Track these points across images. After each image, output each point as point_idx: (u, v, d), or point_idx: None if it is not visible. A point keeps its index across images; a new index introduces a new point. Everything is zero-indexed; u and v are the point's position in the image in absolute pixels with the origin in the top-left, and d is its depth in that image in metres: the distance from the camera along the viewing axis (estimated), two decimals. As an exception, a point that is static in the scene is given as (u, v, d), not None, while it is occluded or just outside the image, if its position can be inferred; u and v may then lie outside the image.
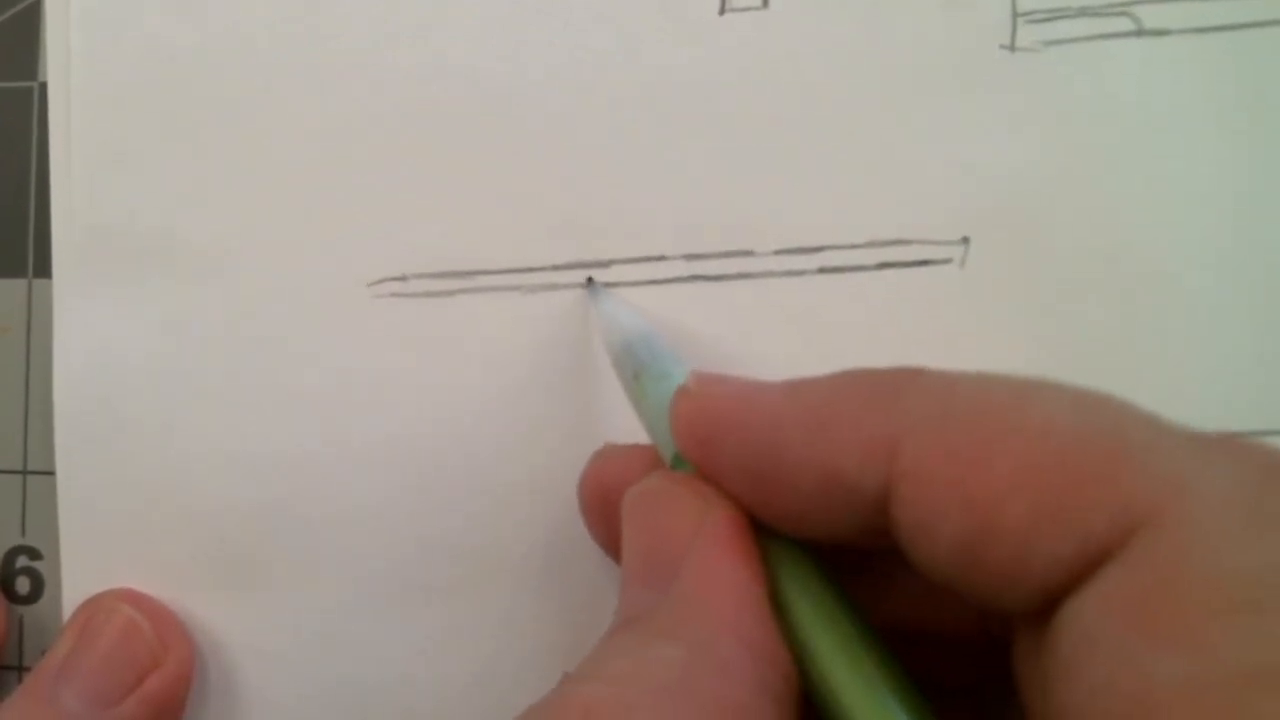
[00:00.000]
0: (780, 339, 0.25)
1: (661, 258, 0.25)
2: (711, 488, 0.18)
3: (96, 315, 0.26)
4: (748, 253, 0.25)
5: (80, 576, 0.26)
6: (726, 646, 0.16)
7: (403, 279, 0.26)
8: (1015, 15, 0.25)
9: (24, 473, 0.27)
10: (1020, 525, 0.15)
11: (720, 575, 0.17)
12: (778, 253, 0.25)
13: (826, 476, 0.17)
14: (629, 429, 0.25)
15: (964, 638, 0.19)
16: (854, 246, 0.25)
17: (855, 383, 0.17)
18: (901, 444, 0.16)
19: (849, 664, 0.16)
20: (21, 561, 0.27)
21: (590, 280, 0.25)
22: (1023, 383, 0.16)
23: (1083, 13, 0.25)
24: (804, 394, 0.18)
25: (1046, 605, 0.15)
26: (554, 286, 0.25)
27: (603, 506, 0.23)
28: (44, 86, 0.27)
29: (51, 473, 0.26)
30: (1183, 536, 0.14)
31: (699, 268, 0.25)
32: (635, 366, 0.22)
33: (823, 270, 0.25)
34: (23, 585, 0.27)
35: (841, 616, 0.17)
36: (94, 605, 0.25)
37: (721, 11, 0.25)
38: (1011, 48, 0.25)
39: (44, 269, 0.27)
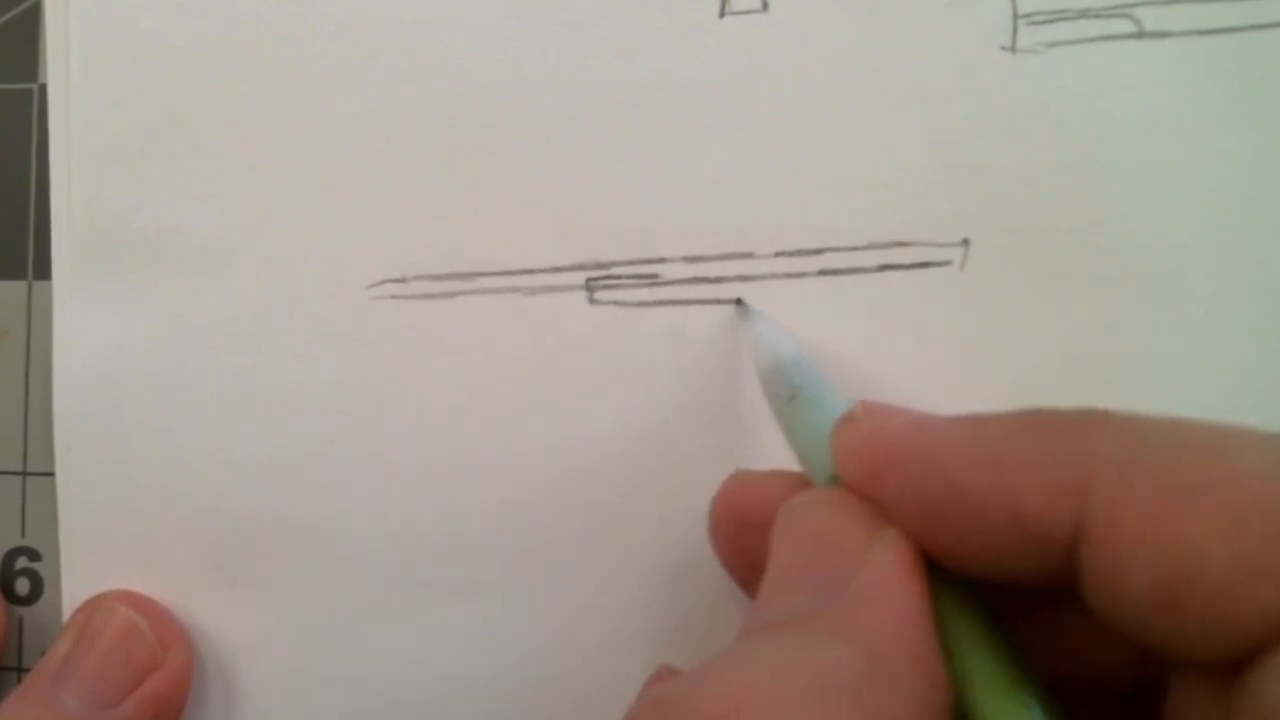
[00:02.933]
0: (780, 341, 0.25)
1: (662, 260, 0.25)
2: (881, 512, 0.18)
3: (96, 317, 0.26)
4: (748, 255, 0.25)
5: (80, 578, 0.26)
6: (895, 659, 0.16)
7: (402, 280, 0.26)
8: (1016, 17, 0.25)
9: (24, 474, 0.27)
10: (1224, 575, 0.14)
11: (894, 590, 0.17)
12: (778, 255, 0.25)
13: (1009, 517, 0.16)
14: (627, 431, 0.25)
15: (1114, 686, 0.18)
16: (854, 249, 0.25)
17: (1041, 423, 0.17)
18: (1093, 487, 0.16)
19: (1007, 699, 0.16)
20: (21, 562, 0.27)
21: (740, 301, 0.25)
22: (1218, 428, 0.16)
23: (1083, 15, 0.25)
24: (986, 430, 0.17)
25: (1243, 657, 0.15)
26: (554, 288, 0.25)
27: (738, 528, 0.23)
28: (44, 88, 0.27)
29: (51, 474, 0.26)
30: None
31: (699, 270, 0.25)
32: (790, 389, 0.22)
33: (823, 272, 0.25)
34: (22, 586, 0.27)
35: (1001, 652, 0.17)
36: (93, 606, 0.25)
37: (721, 14, 0.25)
38: (1012, 49, 0.25)
39: (44, 271, 0.27)
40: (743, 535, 0.22)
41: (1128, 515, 0.15)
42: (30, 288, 0.27)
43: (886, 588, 0.17)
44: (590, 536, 0.25)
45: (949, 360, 0.25)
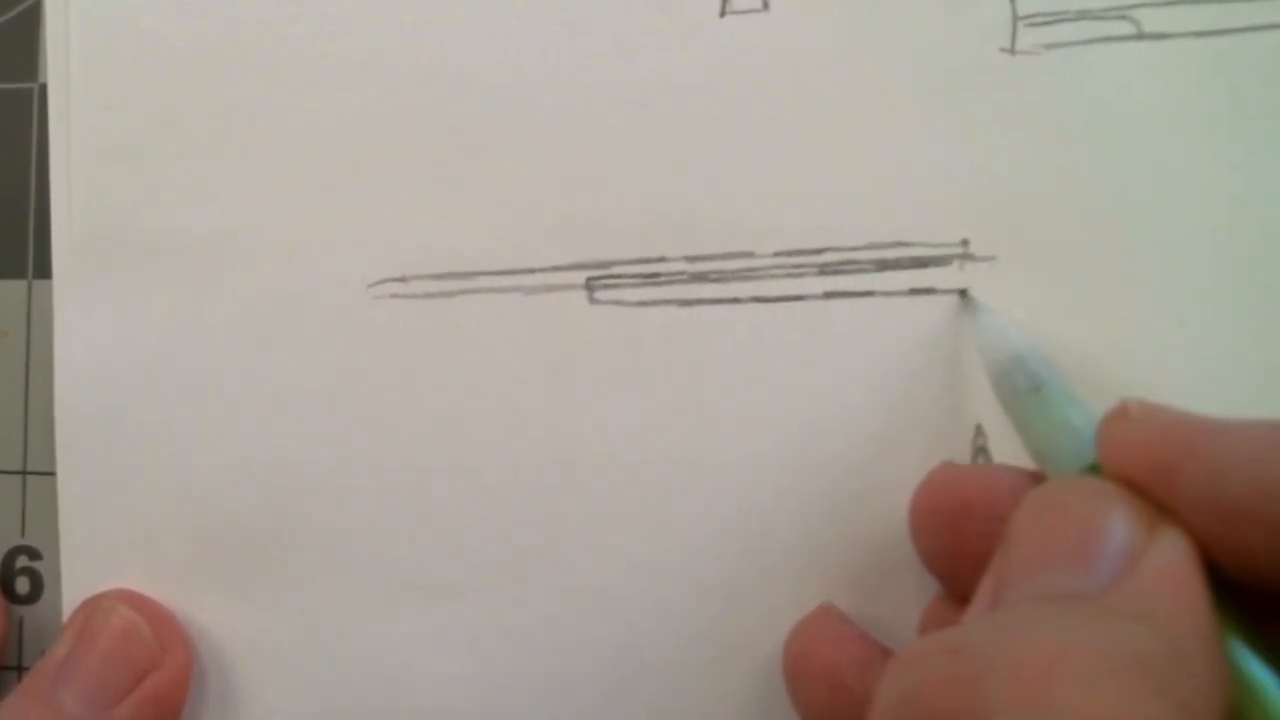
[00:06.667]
0: (781, 341, 0.25)
1: (662, 259, 0.25)
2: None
3: (97, 316, 0.26)
4: (748, 254, 0.25)
5: (80, 577, 0.26)
6: (1193, 651, 0.16)
7: (403, 280, 0.26)
8: (1015, 18, 0.25)
9: (24, 473, 0.27)
10: None
11: (1183, 585, 0.17)
12: (778, 254, 0.25)
13: None
14: (630, 430, 0.25)
15: None
16: (854, 248, 0.25)
17: None
18: None
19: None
20: (21, 562, 0.27)
21: (964, 293, 0.25)
22: None
23: (1082, 16, 0.25)
24: None
25: None
26: (554, 288, 0.25)
27: (950, 516, 0.23)
28: (44, 88, 0.27)
29: (51, 473, 0.26)
30: None
31: (699, 269, 0.25)
32: (1032, 382, 0.22)
33: (823, 272, 0.25)
34: (22, 585, 0.27)
35: (1272, 665, 0.17)
36: (93, 606, 0.25)
37: (722, 13, 0.25)
38: (1011, 51, 0.25)
39: (44, 271, 0.27)
40: (954, 523, 0.22)
41: None
42: (30, 287, 0.27)
43: (1175, 582, 0.16)
44: (588, 537, 0.25)
45: (949, 361, 0.25)
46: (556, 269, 0.25)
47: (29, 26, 0.27)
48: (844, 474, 0.25)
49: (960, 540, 0.22)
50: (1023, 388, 0.22)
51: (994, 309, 0.24)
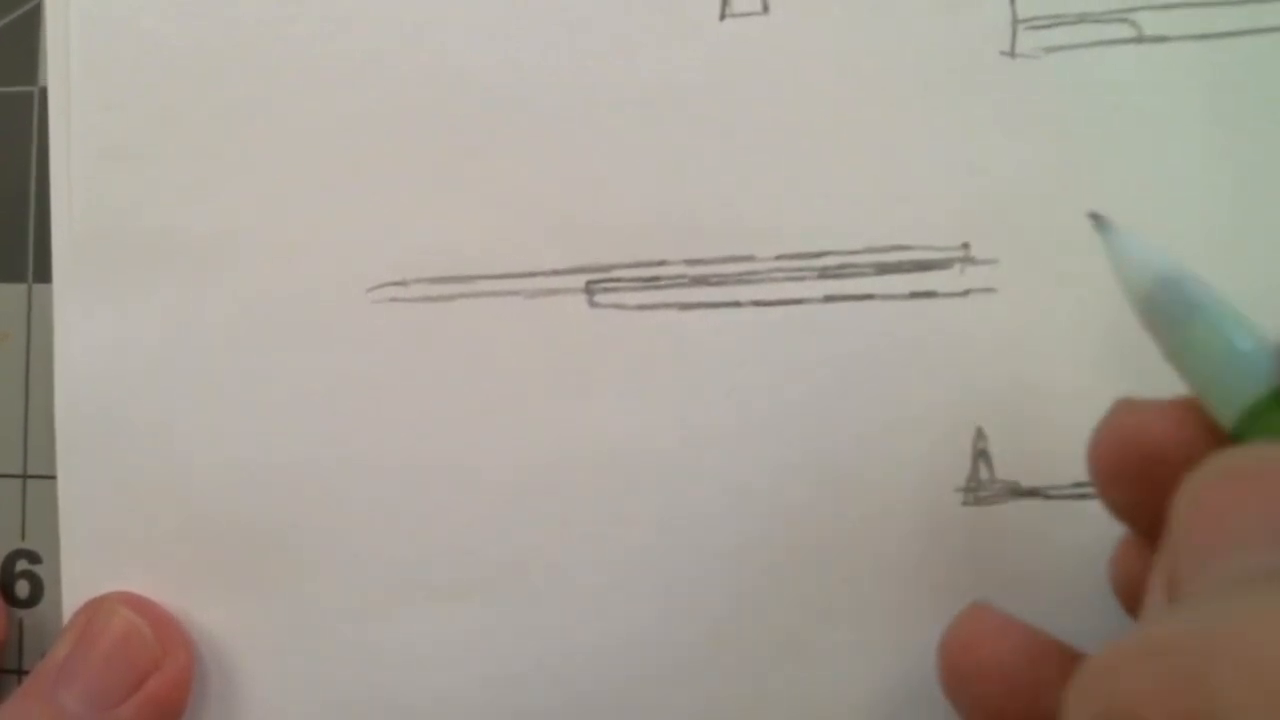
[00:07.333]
0: (781, 344, 0.25)
1: (662, 262, 0.25)
2: None
3: (97, 320, 0.26)
4: (749, 257, 0.25)
5: (80, 580, 0.26)
6: None
7: (402, 283, 0.26)
8: (1015, 21, 0.25)
9: (24, 476, 0.27)
10: None
11: None
12: (778, 257, 0.25)
13: None
14: (630, 433, 0.25)
15: None
16: (854, 251, 0.25)
17: None
18: None
19: None
20: (21, 565, 0.27)
21: (1096, 216, 0.21)
22: None
23: (1082, 19, 0.25)
24: None
25: None
26: (554, 291, 0.25)
27: (1138, 466, 0.19)
28: (44, 91, 0.27)
29: (52, 477, 0.26)
30: None
31: (700, 272, 0.25)
32: (1187, 307, 0.19)
33: (823, 275, 0.25)
34: (22, 589, 0.27)
35: None
36: (93, 608, 0.25)
37: (722, 16, 0.25)
38: (1011, 54, 0.25)
39: (44, 274, 0.27)
40: (1149, 472, 0.19)
41: None
42: (30, 290, 0.27)
43: None
44: (588, 537, 0.25)
45: (948, 363, 0.25)
46: (556, 272, 0.25)
47: (29, 29, 0.27)
48: (844, 477, 0.25)
49: (1158, 491, 0.18)
50: (1176, 313, 0.19)
51: (1126, 228, 0.20)
